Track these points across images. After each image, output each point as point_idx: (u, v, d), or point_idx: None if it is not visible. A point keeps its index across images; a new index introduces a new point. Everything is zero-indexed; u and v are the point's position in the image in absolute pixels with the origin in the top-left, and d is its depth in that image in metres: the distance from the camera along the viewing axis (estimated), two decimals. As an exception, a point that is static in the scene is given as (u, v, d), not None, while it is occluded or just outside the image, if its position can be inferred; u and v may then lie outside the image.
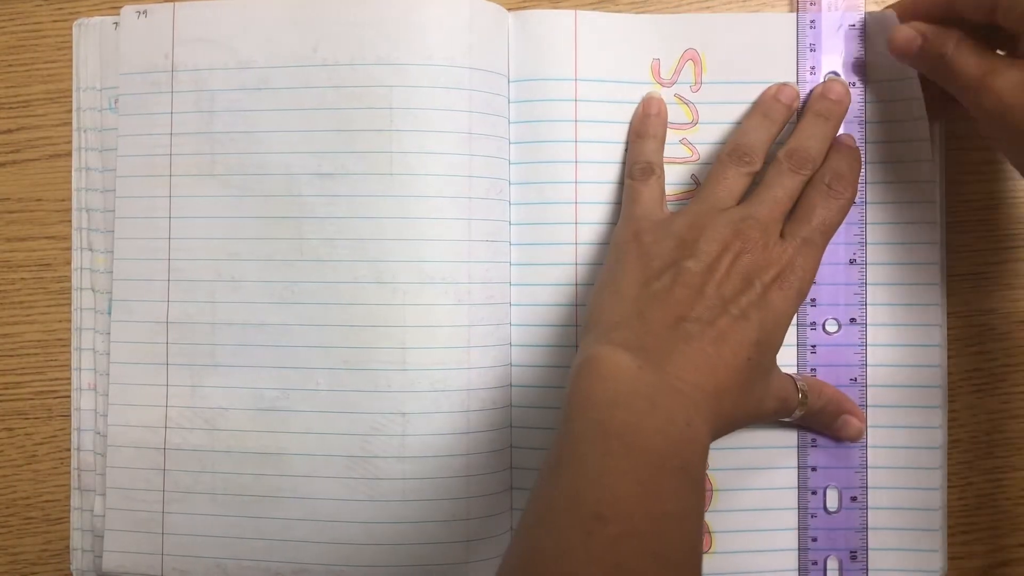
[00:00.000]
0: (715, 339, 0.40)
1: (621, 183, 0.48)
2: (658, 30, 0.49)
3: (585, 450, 0.37)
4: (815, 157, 0.45)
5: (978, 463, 0.49)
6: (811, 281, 0.43)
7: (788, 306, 0.42)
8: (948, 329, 0.49)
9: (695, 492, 0.38)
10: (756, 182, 0.45)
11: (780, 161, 0.45)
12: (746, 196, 0.45)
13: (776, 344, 0.42)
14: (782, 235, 0.43)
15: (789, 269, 0.42)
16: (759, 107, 0.47)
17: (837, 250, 0.48)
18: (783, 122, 0.47)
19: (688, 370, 0.39)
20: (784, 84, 0.48)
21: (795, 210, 0.44)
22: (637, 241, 0.44)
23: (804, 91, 0.48)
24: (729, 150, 0.46)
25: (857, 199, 0.47)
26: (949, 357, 0.49)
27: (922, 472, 0.48)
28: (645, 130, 0.48)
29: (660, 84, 0.49)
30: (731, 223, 0.43)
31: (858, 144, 0.47)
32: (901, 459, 0.48)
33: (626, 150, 0.48)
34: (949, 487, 0.49)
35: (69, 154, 0.52)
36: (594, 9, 0.50)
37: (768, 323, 0.41)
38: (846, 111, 0.47)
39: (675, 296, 0.41)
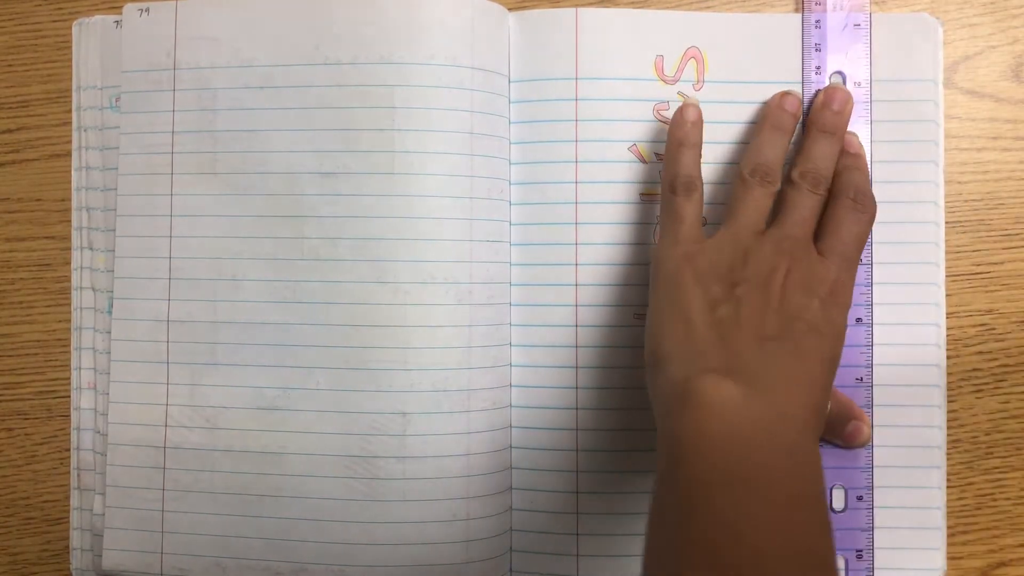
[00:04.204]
0: (797, 354, 0.40)
1: (622, 183, 0.48)
2: (661, 26, 0.49)
3: (714, 496, 0.37)
4: (827, 175, 0.45)
5: (978, 463, 0.49)
6: (852, 295, 0.44)
7: (844, 321, 0.43)
8: (948, 329, 0.49)
9: (826, 519, 0.38)
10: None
11: (797, 183, 0.45)
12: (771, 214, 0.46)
13: (839, 360, 0.43)
14: (820, 252, 0.44)
15: (839, 285, 0.43)
16: (768, 120, 0.47)
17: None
18: (792, 131, 0.47)
19: (791, 392, 0.40)
20: (787, 93, 0.48)
21: (826, 228, 0.44)
22: (691, 264, 0.43)
23: (809, 92, 0.48)
24: (750, 170, 0.45)
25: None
26: (949, 357, 0.49)
27: (922, 471, 0.48)
28: (686, 138, 0.47)
29: (663, 81, 0.49)
30: (773, 244, 0.43)
31: (864, 144, 0.48)
32: (902, 458, 0.48)
33: (659, 161, 0.48)
34: (949, 487, 0.49)
35: (69, 154, 0.52)
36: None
37: (836, 338, 0.42)
38: (850, 116, 0.47)
39: (745, 317, 0.41)
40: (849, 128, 0.47)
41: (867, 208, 0.44)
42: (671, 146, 0.47)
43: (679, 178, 0.46)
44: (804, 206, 0.44)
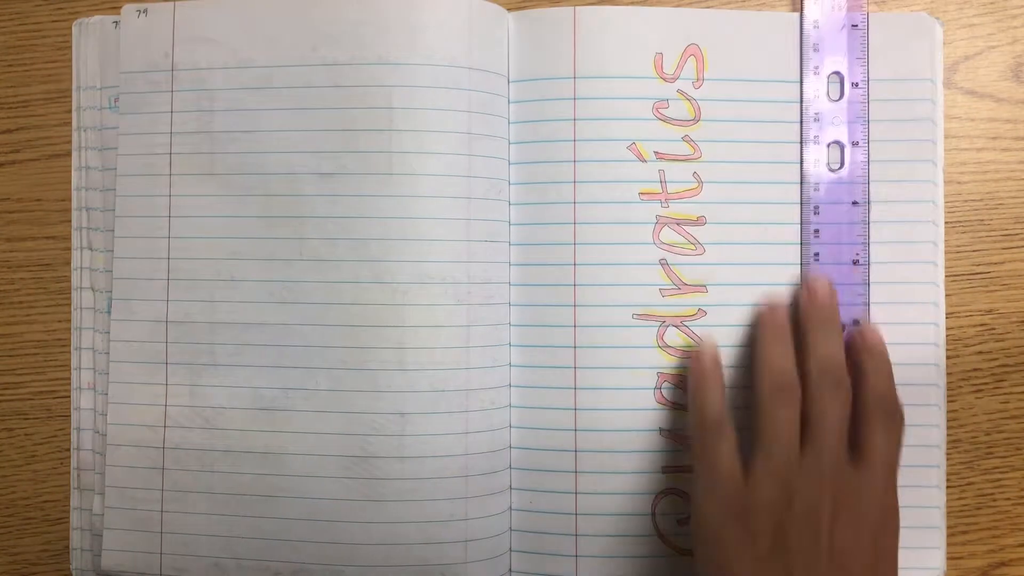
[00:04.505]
0: None
1: (621, 182, 0.48)
2: (660, 23, 0.49)
3: None
4: (841, 366, 0.45)
5: (978, 463, 0.49)
6: (899, 510, 0.44)
7: (896, 546, 0.43)
8: (948, 329, 0.49)
9: None
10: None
11: (818, 383, 0.44)
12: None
13: None
14: (858, 461, 0.43)
15: (886, 507, 0.42)
16: (766, 330, 0.46)
17: (840, 250, 0.48)
18: (790, 335, 0.46)
19: None
20: (773, 305, 0.47)
21: (861, 440, 0.44)
22: (735, 520, 0.42)
23: (808, 91, 0.48)
24: (769, 387, 0.44)
25: (860, 198, 0.47)
26: (949, 357, 0.49)
27: (921, 470, 0.48)
28: (705, 377, 0.46)
29: (663, 79, 0.48)
30: (813, 473, 0.42)
31: (862, 142, 0.47)
32: (901, 457, 0.48)
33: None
34: (949, 487, 0.49)
35: (69, 154, 0.52)
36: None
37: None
38: (838, 306, 0.47)
39: None
40: (847, 129, 0.47)
41: (896, 416, 0.44)
42: (693, 387, 0.46)
43: (707, 421, 0.45)
44: (832, 413, 0.43)
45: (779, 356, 0.45)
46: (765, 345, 0.46)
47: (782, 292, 0.48)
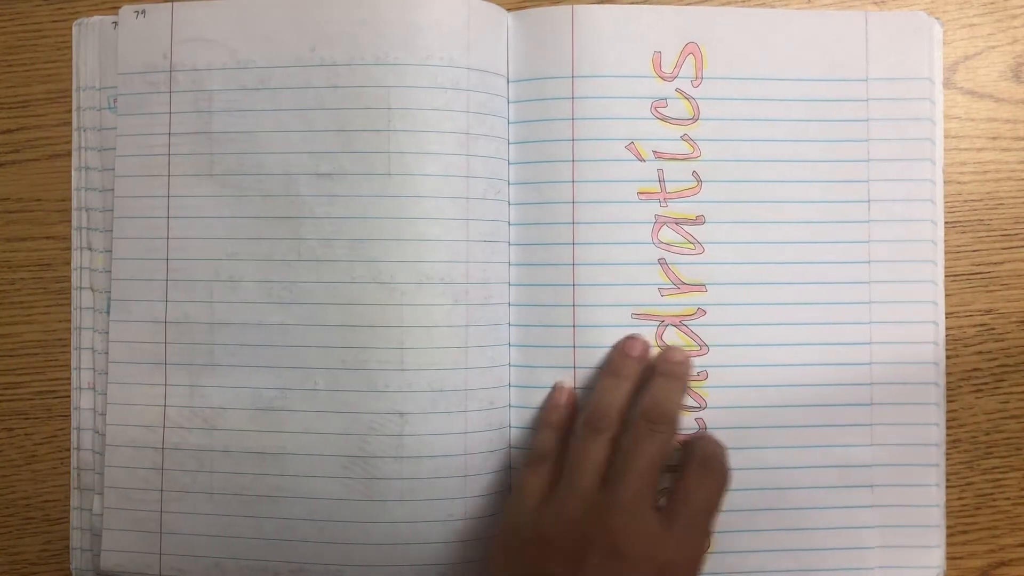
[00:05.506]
0: None
1: (619, 182, 0.48)
2: (659, 21, 0.48)
3: None
4: (671, 414, 0.44)
5: (978, 463, 0.49)
6: (701, 567, 0.42)
7: None
8: (947, 329, 0.49)
9: None
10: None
11: (637, 423, 0.44)
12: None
13: None
14: (665, 517, 0.42)
15: (674, 567, 0.40)
16: (609, 367, 0.47)
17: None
18: (635, 377, 0.46)
19: None
20: (633, 337, 0.47)
21: (675, 493, 0.43)
22: (504, 553, 0.43)
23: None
24: (584, 420, 0.45)
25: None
26: (948, 357, 0.49)
27: (920, 469, 0.48)
28: (552, 416, 0.47)
29: (661, 78, 0.48)
30: (597, 516, 0.41)
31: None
32: (900, 456, 0.48)
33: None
34: (949, 487, 0.49)
35: (69, 154, 0.52)
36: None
37: None
38: (689, 370, 0.47)
39: None
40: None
41: (714, 473, 0.43)
42: (542, 417, 0.47)
43: (535, 451, 0.46)
44: (642, 454, 0.43)
45: (609, 389, 0.45)
46: (601, 379, 0.46)
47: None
